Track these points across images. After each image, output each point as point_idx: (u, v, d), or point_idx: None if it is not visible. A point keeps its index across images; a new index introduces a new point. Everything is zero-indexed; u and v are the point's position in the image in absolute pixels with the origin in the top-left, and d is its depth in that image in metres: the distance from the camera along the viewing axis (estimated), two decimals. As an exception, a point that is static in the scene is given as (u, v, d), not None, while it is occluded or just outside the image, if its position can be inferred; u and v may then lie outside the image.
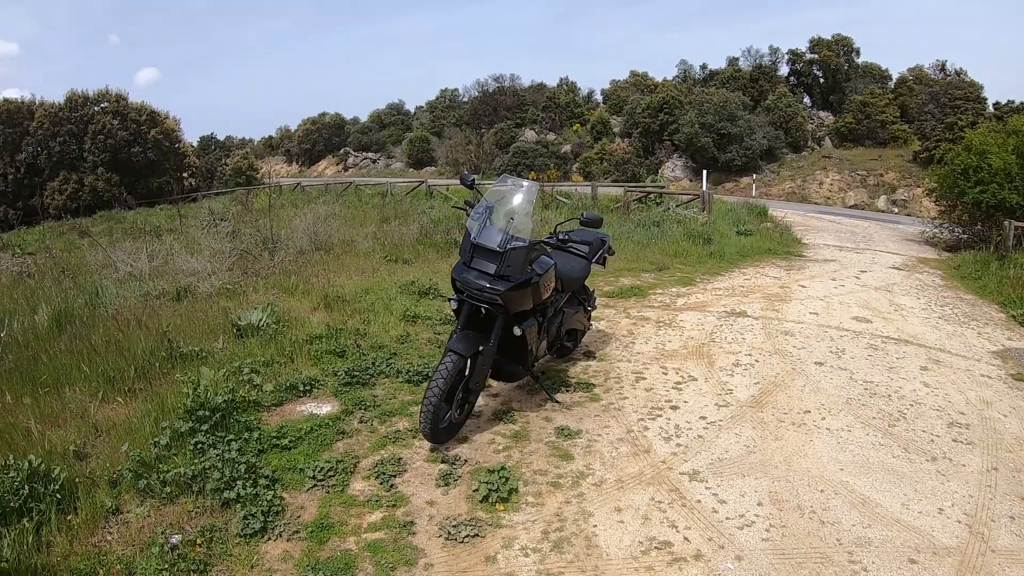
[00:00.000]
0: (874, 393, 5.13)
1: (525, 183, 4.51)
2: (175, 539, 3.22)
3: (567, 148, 41.53)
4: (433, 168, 45.89)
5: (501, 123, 44.09)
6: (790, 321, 7.07)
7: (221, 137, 66.53)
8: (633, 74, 49.07)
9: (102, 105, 38.89)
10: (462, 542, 3.33)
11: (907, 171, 29.60)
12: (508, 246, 4.08)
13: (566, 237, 4.71)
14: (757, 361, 5.76)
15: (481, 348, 4.13)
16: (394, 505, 3.61)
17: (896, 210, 26.91)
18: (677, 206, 15.13)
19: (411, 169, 47.31)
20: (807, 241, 14.30)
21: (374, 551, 3.24)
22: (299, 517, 3.50)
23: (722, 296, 8.23)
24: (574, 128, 44.16)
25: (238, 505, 3.49)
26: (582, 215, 4.71)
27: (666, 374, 5.48)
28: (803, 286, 9.04)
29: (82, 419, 4.45)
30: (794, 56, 41.54)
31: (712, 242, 12.15)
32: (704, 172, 21.72)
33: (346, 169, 53.41)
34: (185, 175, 41.74)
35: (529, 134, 43.24)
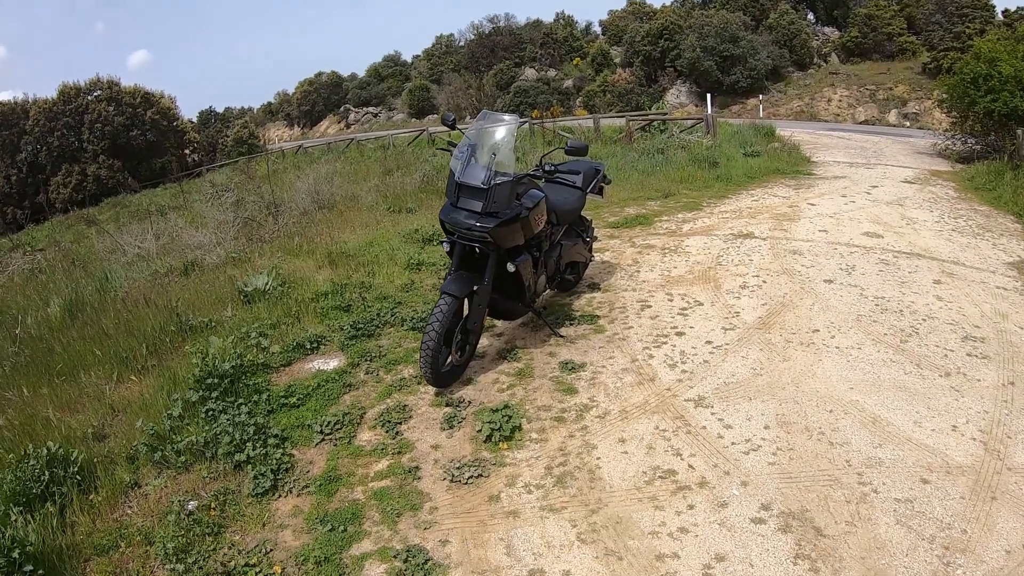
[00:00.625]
0: (885, 309, 4.90)
1: (506, 117, 4.25)
2: (191, 505, 3.23)
3: (569, 83, 40.33)
4: (435, 116, 44.83)
5: (500, 64, 42.77)
6: (799, 240, 6.79)
7: (220, 109, 65.42)
8: (631, 2, 47.08)
9: (95, 94, 38.43)
10: (466, 483, 3.25)
11: (917, 84, 28.39)
12: (493, 182, 3.88)
13: (553, 168, 4.42)
14: (764, 282, 5.53)
15: (476, 288, 3.99)
16: (399, 452, 3.54)
17: (908, 124, 25.95)
18: (681, 132, 14.59)
19: (413, 119, 46.16)
20: (816, 159, 13.79)
21: (380, 499, 3.19)
22: (308, 472, 3.46)
23: (729, 219, 7.93)
24: (574, 62, 42.79)
25: (249, 466, 3.47)
26: (566, 143, 4.39)
27: (672, 301, 5.28)
28: (812, 204, 8.71)
29: (99, 401, 4.48)
30: (795, -29, 39.49)
31: (718, 165, 11.71)
32: (708, 96, 20.92)
33: (348, 126, 52.19)
34: (187, 151, 41.40)
35: (529, 72, 41.94)
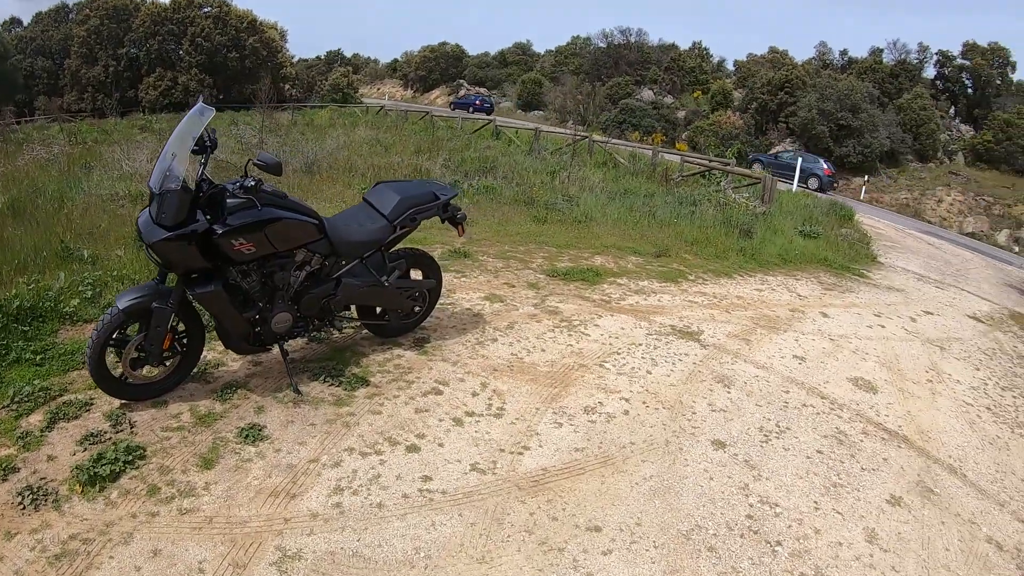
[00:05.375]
0: (757, 532, 2.76)
1: (204, 110, 3.20)
2: None
3: (681, 115, 37.54)
4: (541, 113, 43.06)
5: (620, 77, 40.44)
6: (750, 363, 4.64)
7: (348, 54, 66.56)
8: (772, 51, 43.52)
9: (204, 9, 39.20)
10: None
11: (1042, 207, 24.06)
12: (162, 187, 3.03)
13: (255, 183, 3.19)
14: (626, 413, 3.52)
15: (155, 305, 3.13)
16: (6, 465, 2.82)
17: (1017, 249, 21.80)
18: (734, 188, 12.26)
19: (520, 111, 44.71)
20: (884, 260, 11.06)
21: None
22: None
23: (696, 306, 5.82)
24: (695, 95, 39.93)
25: None
26: (257, 155, 3.23)
27: (474, 396, 3.48)
28: (825, 315, 6.41)
29: None
30: (943, 59, 34.49)
31: (752, 236, 9.38)
32: (799, 160, 18.05)
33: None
34: (287, 86, 41.56)
35: (646, 94, 39.37)
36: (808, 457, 3.44)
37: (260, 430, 3.11)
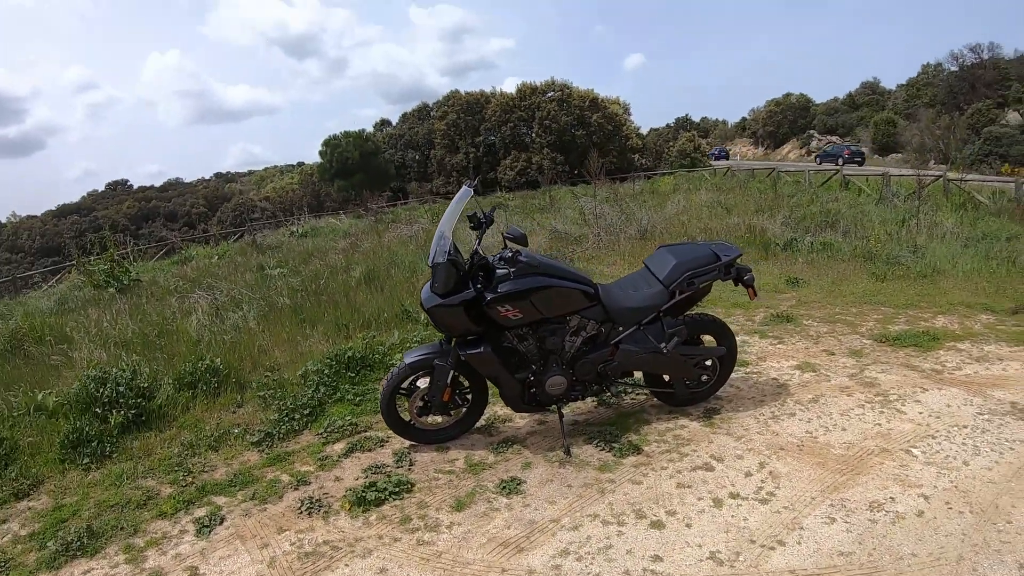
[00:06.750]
0: None
1: (464, 193, 3.66)
2: (236, 430, 4.17)
3: (1059, 137, 29.30)
4: (899, 155, 37.63)
5: (979, 103, 33.50)
6: None
7: (696, 119, 67.22)
8: None
9: (548, 94, 42.83)
10: (255, 513, 3.33)
11: None
12: (434, 260, 3.50)
13: (511, 255, 3.52)
14: (919, 515, 2.90)
15: (436, 362, 3.62)
16: (301, 479, 3.62)
17: None
18: None
19: (876, 155, 39.63)
20: None
21: (248, 485, 3.56)
22: (284, 445, 4.01)
23: (1047, 384, 4.46)
24: (1073, 112, 30.91)
25: (268, 424, 4.25)
26: (507, 228, 3.47)
27: (747, 476, 3.32)
28: None
29: (295, 349, 5.67)
30: None
31: None
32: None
33: (809, 153, 48.19)
34: (636, 156, 43.34)
35: (1012, 116, 31.75)
36: None
37: (519, 484, 3.37)
